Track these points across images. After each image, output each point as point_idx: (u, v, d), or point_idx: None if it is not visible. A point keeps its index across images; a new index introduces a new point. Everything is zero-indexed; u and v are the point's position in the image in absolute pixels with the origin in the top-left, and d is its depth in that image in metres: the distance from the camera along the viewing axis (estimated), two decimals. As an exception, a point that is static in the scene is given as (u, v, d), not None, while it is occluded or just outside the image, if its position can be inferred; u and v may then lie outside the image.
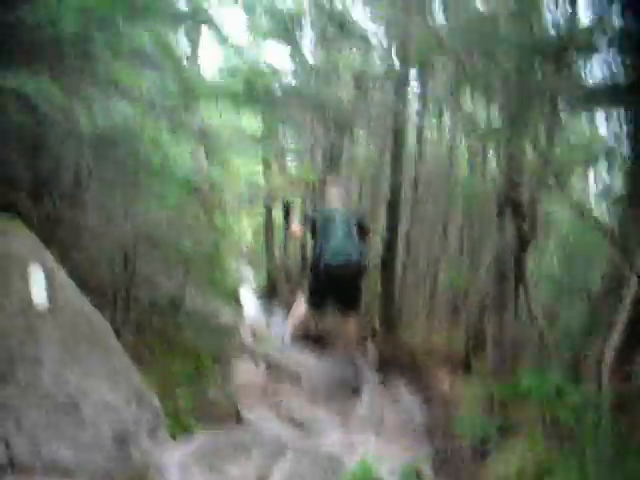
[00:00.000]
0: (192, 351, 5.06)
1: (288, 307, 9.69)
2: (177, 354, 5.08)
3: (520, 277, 5.39)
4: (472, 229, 7.57)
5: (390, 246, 7.29)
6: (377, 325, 7.76)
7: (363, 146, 9.00)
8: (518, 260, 5.30)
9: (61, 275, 3.11)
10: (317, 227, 6.88)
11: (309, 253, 7.76)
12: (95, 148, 3.72)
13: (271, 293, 10.40)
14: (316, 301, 7.04)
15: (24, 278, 2.94)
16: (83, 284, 4.23)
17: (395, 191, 7.26)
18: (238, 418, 4.88)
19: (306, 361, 7.04)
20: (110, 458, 2.76)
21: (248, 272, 11.19)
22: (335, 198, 7.17)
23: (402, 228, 7.60)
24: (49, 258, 3.11)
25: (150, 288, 4.75)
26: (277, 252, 10.61)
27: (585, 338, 5.80)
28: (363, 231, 7.05)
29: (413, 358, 7.20)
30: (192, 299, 5.28)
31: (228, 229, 4.06)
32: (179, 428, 3.98)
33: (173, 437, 3.78)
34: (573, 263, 6.28)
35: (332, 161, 8.35)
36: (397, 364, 7.23)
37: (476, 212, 7.17)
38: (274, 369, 6.46)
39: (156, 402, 3.08)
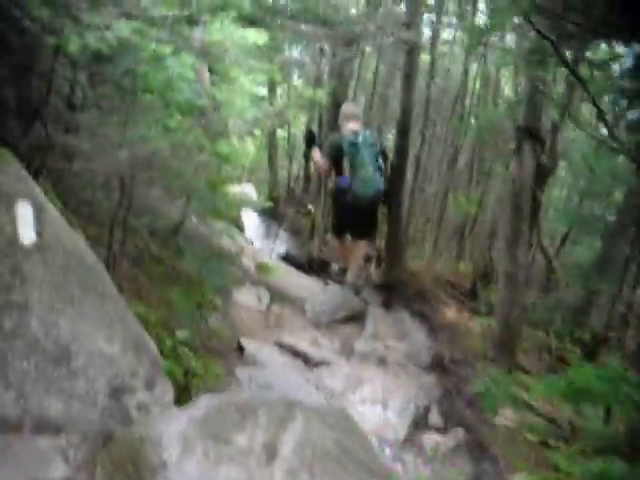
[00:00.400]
0: (193, 280, 4.86)
1: (292, 228, 9.55)
2: (177, 283, 4.90)
3: (536, 210, 5.18)
4: (482, 159, 7.31)
5: (399, 170, 7.00)
6: (383, 251, 7.54)
7: (373, 63, 8.63)
8: (535, 193, 5.07)
9: (52, 212, 2.87)
10: (342, 155, 6.54)
11: (328, 180, 7.47)
12: (89, 69, 3.42)
13: (274, 214, 10.20)
14: (340, 230, 6.97)
15: (10, 215, 2.70)
16: (77, 213, 4.02)
17: (406, 111, 6.91)
18: (240, 350, 4.75)
19: (309, 287, 6.89)
20: (104, 412, 2.59)
21: (251, 192, 10.92)
22: (355, 125, 6.70)
23: (411, 151, 7.32)
24: (38, 193, 2.85)
25: (149, 215, 4.51)
26: (279, 173, 10.41)
27: (599, 272, 5.65)
28: (383, 158, 6.78)
29: (419, 285, 7.05)
30: (193, 225, 5.04)
31: (233, 155, 3.77)
32: (178, 365, 3.87)
33: (174, 379, 3.68)
34: (589, 193, 6.08)
35: (341, 79, 7.96)
36: (402, 291, 7.08)
37: (488, 142, 6.90)
38: (276, 296, 6.30)
39: (154, 351, 2.88)
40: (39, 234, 2.74)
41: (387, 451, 3.75)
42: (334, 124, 7.52)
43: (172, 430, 2.14)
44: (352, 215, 6.66)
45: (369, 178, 6.49)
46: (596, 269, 5.57)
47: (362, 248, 6.98)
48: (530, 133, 4.90)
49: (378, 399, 4.20)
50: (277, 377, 4.21)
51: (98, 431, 2.55)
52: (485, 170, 7.40)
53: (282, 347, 4.91)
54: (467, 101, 7.44)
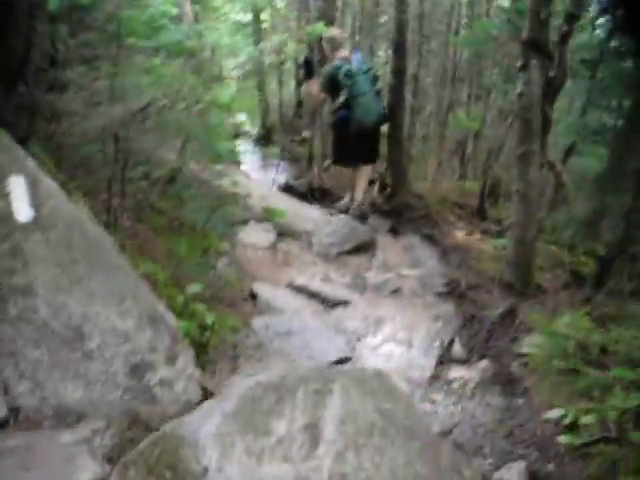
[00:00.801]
0: (197, 228, 4.68)
1: (288, 157, 9.32)
2: (182, 233, 4.73)
3: (546, 127, 4.97)
4: (481, 73, 7.02)
5: (397, 91, 6.74)
6: (387, 176, 7.34)
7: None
8: (544, 109, 4.85)
9: (47, 184, 2.66)
10: (338, 87, 6.38)
11: (327, 107, 7.20)
12: (69, 20, 3.16)
13: (267, 141, 9.96)
14: (343, 158, 6.89)
15: (3, 193, 2.50)
16: (72, 174, 3.81)
17: (401, 28, 6.60)
18: (253, 297, 4.61)
19: (314, 218, 6.71)
20: (126, 393, 2.45)
21: (243, 119, 10.61)
22: (345, 52, 6.51)
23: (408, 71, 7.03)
24: (31, 165, 2.64)
25: (146, 164, 4.29)
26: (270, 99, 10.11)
27: (610, 183, 5.49)
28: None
29: (426, 208, 6.88)
30: (191, 171, 4.82)
31: (233, 102, 3.53)
32: (193, 322, 3.74)
33: (190, 338, 3.56)
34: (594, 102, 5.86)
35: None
36: (409, 215, 6.93)
37: (486, 56, 6.60)
38: (282, 231, 6.13)
39: (172, 321, 2.72)
40: (37, 210, 2.55)
41: (415, 391, 3.65)
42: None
43: (208, 429, 2.00)
44: (356, 144, 6.53)
45: (371, 105, 6.39)
46: (607, 180, 5.39)
47: (367, 173, 6.88)
48: (537, 47, 4.64)
49: (401, 338, 4.09)
50: (295, 323, 4.09)
51: (122, 413, 2.42)
52: (485, 85, 7.13)
53: (295, 289, 4.76)
54: (463, 12, 7.09)
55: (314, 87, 6.68)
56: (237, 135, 10.34)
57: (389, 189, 7.26)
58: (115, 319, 2.54)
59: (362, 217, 6.70)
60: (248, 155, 9.59)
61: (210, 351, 3.74)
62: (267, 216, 4.68)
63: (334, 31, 6.78)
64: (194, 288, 3.93)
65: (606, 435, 3.03)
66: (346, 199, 7.03)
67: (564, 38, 4.85)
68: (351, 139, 6.49)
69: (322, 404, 2.05)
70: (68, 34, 3.35)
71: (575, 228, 6.08)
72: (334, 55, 6.48)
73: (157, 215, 4.63)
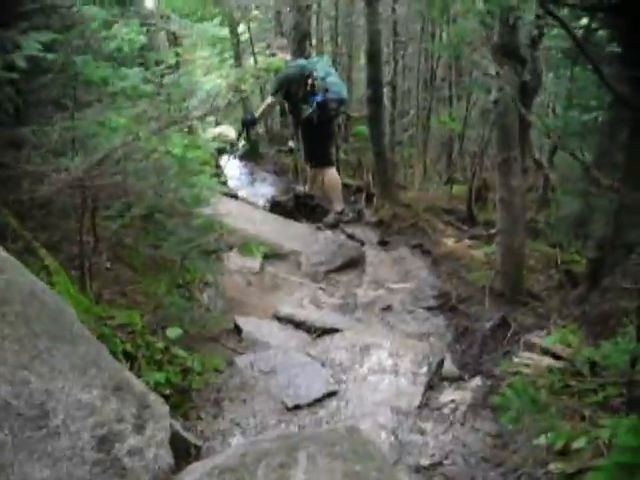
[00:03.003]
0: (178, 265, 4.61)
1: (275, 169, 9.26)
2: (163, 270, 4.66)
3: (525, 131, 4.90)
4: (461, 74, 6.93)
5: (375, 100, 6.67)
6: (372, 187, 7.28)
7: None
8: (521, 114, 4.77)
9: (2, 256, 2.60)
10: (302, 78, 6.61)
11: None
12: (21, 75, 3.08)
13: (255, 156, 9.89)
14: (320, 156, 7.03)
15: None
16: (40, 229, 3.76)
17: (373, 39, 6.52)
18: (237, 331, 4.54)
19: (302, 236, 6.64)
20: (95, 468, 2.38)
21: (229, 133, 10.53)
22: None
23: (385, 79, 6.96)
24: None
25: (122, 204, 4.20)
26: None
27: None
28: None
29: (414, 217, 6.81)
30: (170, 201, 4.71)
31: (191, 150, 3.45)
32: (174, 369, 3.68)
33: (171, 386, 3.49)
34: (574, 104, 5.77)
35: (299, 11, 7.51)
36: (398, 225, 6.86)
37: (465, 59, 6.51)
38: (270, 253, 6.06)
39: (139, 387, 2.66)
40: (-10, 285, 2.48)
41: (404, 422, 3.58)
42: (297, 54, 7.60)
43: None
44: (325, 132, 6.83)
45: (337, 81, 6.71)
46: (593, 179, 5.30)
47: (336, 179, 7.11)
48: (508, 52, 4.57)
49: (388, 366, 4.00)
50: (280, 359, 4.01)
51: (92, 488, 2.36)
52: (465, 85, 7.04)
53: (281, 320, 4.69)
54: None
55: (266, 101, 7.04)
56: (222, 151, 10.29)
57: (375, 201, 7.19)
58: (79, 392, 2.48)
59: (333, 226, 6.71)
60: (235, 171, 9.53)
61: (193, 395, 3.69)
62: (243, 253, 4.58)
63: (278, 40, 7.63)
64: (174, 332, 3.87)
65: (597, 462, 2.96)
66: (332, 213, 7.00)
67: (535, 41, 4.78)
68: (321, 128, 6.73)
69: (285, 478, 1.98)
70: (16, 90, 3.27)
71: (565, 227, 6.01)
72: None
73: (137, 254, 4.56)
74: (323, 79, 6.57)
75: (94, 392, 2.50)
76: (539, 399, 2.24)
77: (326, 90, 6.57)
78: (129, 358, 3.47)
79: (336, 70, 6.81)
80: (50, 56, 3.09)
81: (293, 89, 6.66)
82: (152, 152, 3.19)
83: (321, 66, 6.62)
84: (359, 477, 2.12)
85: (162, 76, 3.65)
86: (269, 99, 6.87)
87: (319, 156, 7.06)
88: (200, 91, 3.59)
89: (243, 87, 3.61)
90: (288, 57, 6.85)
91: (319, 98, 6.59)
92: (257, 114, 7.10)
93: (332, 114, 6.72)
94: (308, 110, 6.70)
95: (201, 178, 3.68)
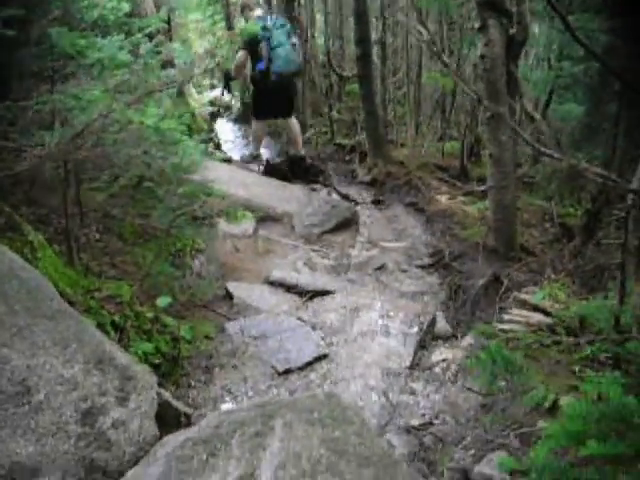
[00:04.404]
0: (167, 231, 4.58)
1: (270, 131, 9.20)
2: (152, 238, 4.65)
3: (512, 86, 4.82)
4: (452, 28, 6.81)
5: (363, 59, 6.58)
6: (365, 145, 7.21)
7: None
8: (509, 68, 4.70)
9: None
10: (257, 42, 6.76)
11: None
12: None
13: (248, 117, 9.80)
14: (264, 111, 7.40)
15: None
16: (21, 198, 3.75)
17: (361, -3, 6.42)
18: (229, 297, 4.54)
19: (296, 198, 6.60)
20: (80, 441, 2.39)
21: (225, 96, 10.40)
22: (258, 11, 7.17)
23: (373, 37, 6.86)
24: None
25: (109, 172, 4.16)
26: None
27: (588, 137, 5.37)
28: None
29: (407, 175, 6.76)
30: (155, 172, 4.68)
31: (166, 121, 3.38)
32: (163, 338, 3.68)
33: (161, 355, 3.50)
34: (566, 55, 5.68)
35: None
36: (391, 184, 6.81)
37: (454, 15, 6.39)
38: (264, 217, 6.04)
39: (121, 359, 2.65)
40: (-33, 263, 2.48)
41: (394, 383, 3.59)
42: (286, 13, 7.81)
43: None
44: (275, 96, 7.06)
45: (288, 55, 6.78)
46: (584, 134, 5.26)
47: (295, 124, 7.44)
48: (493, 6, 4.48)
49: (379, 327, 4.01)
50: (270, 324, 4.02)
51: (77, 462, 2.37)
52: (456, 39, 6.92)
53: (273, 284, 4.68)
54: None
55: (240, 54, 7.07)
56: (215, 115, 10.22)
57: (368, 160, 7.13)
58: (60, 367, 2.48)
59: (341, 193, 6.74)
60: (229, 134, 9.46)
61: (184, 363, 3.70)
62: (227, 219, 4.55)
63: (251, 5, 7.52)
64: (163, 301, 3.86)
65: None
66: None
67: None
68: (269, 92, 7.00)
69: (261, 448, 1.98)
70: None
71: (559, 181, 5.96)
72: (250, 16, 7.05)
73: (126, 224, 4.54)
74: (273, 49, 6.74)
75: (76, 367, 2.50)
76: (514, 361, 2.22)
77: (270, 60, 6.78)
78: (118, 329, 3.47)
79: (290, 38, 6.83)
80: (10, 32, 3.02)
81: (251, 50, 6.89)
82: (128, 124, 3.14)
83: (277, 34, 6.74)
84: (337, 442, 2.12)
85: (137, 45, 3.57)
86: (239, 53, 6.96)
87: (254, 108, 7.55)
88: (177, 59, 3.53)
89: (218, 53, 3.53)
90: (258, 13, 7.02)
91: (261, 66, 6.86)
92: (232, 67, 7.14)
93: (271, 85, 6.92)
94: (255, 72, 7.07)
95: (183, 146, 3.63)
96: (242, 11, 7.24)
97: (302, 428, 2.12)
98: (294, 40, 6.85)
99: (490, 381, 2.30)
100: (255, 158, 7.65)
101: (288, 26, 6.84)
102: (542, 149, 3.38)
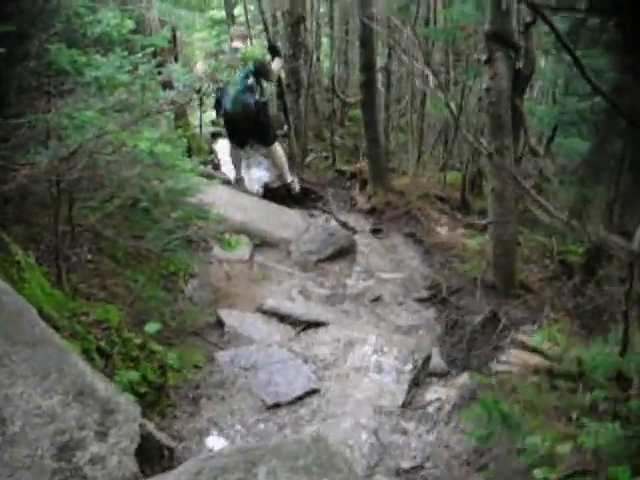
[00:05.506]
0: (160, 254, 4.48)
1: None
2: (145, 260, 4.56)
3: (517, 120, 4.76)
4: (458, 59, 6.77)
5: (368, 87, 6.54)
6: (366, 174, 7.16)
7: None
8: (514, 102, 4.64)
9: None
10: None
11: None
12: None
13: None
14: (231, 139, 7.63)
15: None
16: (10, 216, 3.67)
17: (366, 23, 6.36)
18: (220, 324, 4.43)
19: (294, 223, 6.52)
20: (55, 477, 2.29)
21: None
22: (237, 43, 7.16)
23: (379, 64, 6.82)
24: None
25: (104, 192, 4.08)
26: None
27: (592, 175, 5.30)
28: (262, 75, 7.17)
29: (407, 205, 6.69)
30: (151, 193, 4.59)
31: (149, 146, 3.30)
32: (151, 365, 3.58)
33: (147, 384, 3.40)
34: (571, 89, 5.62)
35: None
36: (391, 213, 6.74)
37: (461, 45, 6.35)
38: (260, 242, 5.96)
39: (103, 392, 2.55)
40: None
41: (385, 423, 3.49)
42: (291, 37, 7.98)
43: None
44: (236, 126, 7.33)
45: (237, 95, 7.01)
46: (589, 171, 5.18)
47: (276, 151, 7.47)
48: (500, 39, 4.42)
49: (372, 363, 3.90)
50: (261, 355, 3.91)
51: (51, 499, 2.27)
52: (462, 70, 6.88)
53: (266, 312, 4.58)
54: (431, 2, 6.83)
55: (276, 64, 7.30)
56: (216, 135, 10.14)
57: (369, 188, 7.07)
58: (39, 398, 2.39)
59: (340, 221, 6.69)
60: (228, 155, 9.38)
61: (171, 393, 3.59)
62: (222, 246, 4.46)
63: (236, 27, 8.06)
64: (153, 327, 3.78)
65: (582, 468, 2.86)
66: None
67: (528, 27, 4.62)
68: (229, 122, 7.38)
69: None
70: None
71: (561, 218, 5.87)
72: (229, 44, 7.27)
73: (118, 245, 4.45)
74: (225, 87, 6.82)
75: (55, 398, 2.41)
76: (511, 416, 2.12)
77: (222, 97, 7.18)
78: (104, 355, 3.38)
79: (247, 79, 7.00)
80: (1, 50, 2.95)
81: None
82: (122, 146, 3.07)
83: (233, 82, 6.62)
84: (324, 493, 2.02)
85: (137, 65, 3.51)
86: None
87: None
88: (177, 82, 3.45)
89: (219, 77, 3.46)
90: (234, 44, 7.09)
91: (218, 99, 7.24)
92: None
93: (227, 117, 7.30)
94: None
95: (178, 170, 3.55)
96: (231, 41, 7.28)
97: (286, 476, 2.02)
98: (250, 82, 7.00)
99: (486, 436, 2.19)
100: (237, 182, 7.62)
101: (248, 72, 6.95)
102: (549, 208, 3.29)
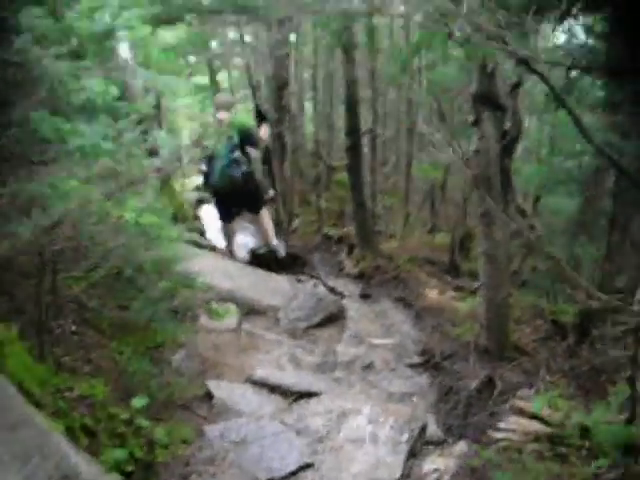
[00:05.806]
0: (147, 326, 4.38)
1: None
2: (131, 332, 4.44)
3: (506, 181, 4.75)
4: (443, 120, 6.81)
5: (353, 151, 6.56)
6: (353, 238, 7.13)
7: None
8: (503, 163, 4.64)
9: None
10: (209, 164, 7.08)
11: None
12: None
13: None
14: (223, 215, 7.56)
15: None
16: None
17: (351, 87, 6.42)
18: (209, 397, 4.30)
19: (281, 290, 6.44)
20: None
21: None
22: (223, 114, 7.11)
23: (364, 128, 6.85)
24: None
25: (89, 262, 3.98)
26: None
27: (581, 234, 5.29)
28: (249, 144, 7.18)
29: (396, 269, 6.63)
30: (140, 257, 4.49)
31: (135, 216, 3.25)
32: (138, 442, 3.44)
33: (134, 461, 3.26)
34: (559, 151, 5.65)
35: (277, 61, 7.48)
36: (379, 278, 6.68)
37: (447, 106, 6.40)
38: (247, 310, 5.86)
39: (89, 475, 2.43)
40: None
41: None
42: (276, 102, 7.92)
43: None
44: (226, 200, 7.31)
45: (223, 170, 6.99)
46: (578, 229, 5.17)
47: (264, 217, 7.47)
48: (487, 100, 4.44)
49: (367, 434, 3.76)
50: (252, 429, 3.77)
51: None
52: (448, 131, 6.92)
53: (256, 383, 4.45)
54: (415, 66, 6.90)
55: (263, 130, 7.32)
56: (201, 201, 10.14)
57: (357, 253, 7.03)
58: (18, 484, 2.25)
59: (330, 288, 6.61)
60: (216, 220, 9.35)
61: (159, 470, 3.44)
62: (211, 316, 4.37)
63: (220, 95, 8.08)
64: (139, 402, 3.64)
65: None
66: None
67: (515, 88, 4.65)
68: (219, 197, 7.37)
69: None
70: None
71: (552, 277, 5.84)
72: (214, 113, 7.26)
73: (103, 316, 4.34)
74: (214, 160, 7.01)
75: (37, 483, 2.27)
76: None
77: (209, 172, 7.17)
78: (89, 433, 3.24)
79: (232, 152, 7.01)
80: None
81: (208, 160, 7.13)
82: (106, 216, 3.00)
83: (220, 148, 6.83)
84: None
85: (122, 132, 3.46)
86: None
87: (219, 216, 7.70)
88: (162, 149, 3.40)
89: (205, 143, 3.42)
90: (219, 116, 7.07)
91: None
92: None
93: (215, 192, 7.33)
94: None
95: (164, 240, 3.48)
96: (216, 110, 7.25)
97: None
98: (235, 155, 6.98)
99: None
100: (230, 252, 7.56)
101: (234, 142, 6.94)
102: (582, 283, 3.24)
